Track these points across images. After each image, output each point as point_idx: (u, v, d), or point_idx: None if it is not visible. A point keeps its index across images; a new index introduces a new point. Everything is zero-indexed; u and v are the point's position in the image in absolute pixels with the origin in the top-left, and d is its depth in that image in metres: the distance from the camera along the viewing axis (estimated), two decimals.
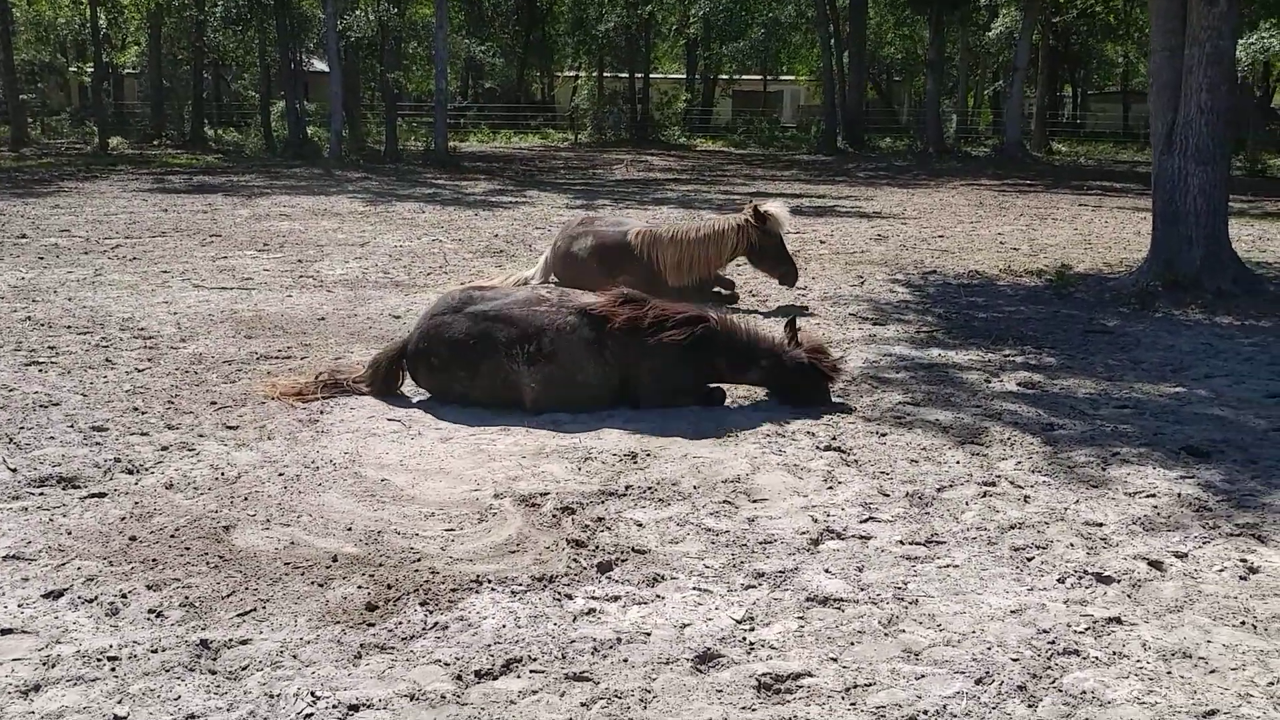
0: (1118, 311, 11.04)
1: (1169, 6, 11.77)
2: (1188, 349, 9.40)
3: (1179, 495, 5.81)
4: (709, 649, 4.07)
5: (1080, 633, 4.27)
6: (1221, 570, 4.90)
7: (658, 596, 4.50)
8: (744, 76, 64.23)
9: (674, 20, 54.09)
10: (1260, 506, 5.65)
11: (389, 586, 4.48)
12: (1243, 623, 4.40)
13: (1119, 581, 4.76)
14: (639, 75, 51.79)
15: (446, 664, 3.92)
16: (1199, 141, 11.45)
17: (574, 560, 4.80)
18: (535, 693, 3.76)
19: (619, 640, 4.12)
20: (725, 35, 52.91)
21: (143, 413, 6.86)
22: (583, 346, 7.01)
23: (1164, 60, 11.94)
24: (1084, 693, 3.84)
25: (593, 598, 4.47)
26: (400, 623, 4.20)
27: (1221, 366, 8.79)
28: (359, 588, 4.46)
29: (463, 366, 7.04)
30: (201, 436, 6.43)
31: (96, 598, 4.31)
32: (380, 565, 4.69)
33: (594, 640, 4.11)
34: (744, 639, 4.17)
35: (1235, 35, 11.56)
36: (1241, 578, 4.84)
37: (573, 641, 4.10)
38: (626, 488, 5.75)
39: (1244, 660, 4.10)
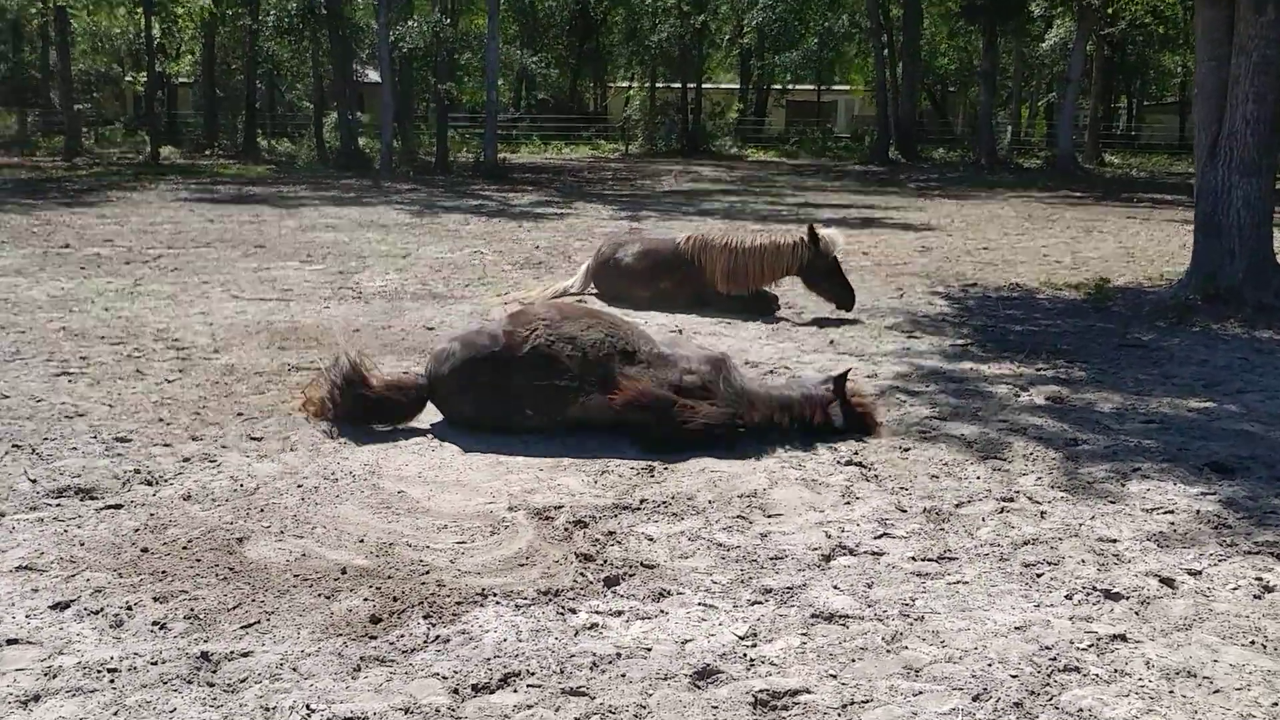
0: (1154, 326, 10.91)
1: (1216, 15, 11.62)
2: (1223, 363, 9.27)
3: (1198, 512, 5.74)
4: (708, 665, 4.07)
5: (1083, 650, 4.24)
6: (1235, 589, 4.84)
7: (662, 612, 4.51)
8: (797, 86, 64.11)
9: (728, 30, 54.15)
10: None
11: (394, 599, 4.53)
12: (1252, 642, 4.34)
13: (1128, 598, 4.71)
14: (691, 85, 51.90)
15: (445, 677, 3.95)
16: (1244, 153, 11.29)
17: (581, 574, 4.82)
18: (530, 707, 3.78)
19: (619, 655, 4.14)
20: (779, 45, 52.89)
21: (168, 424, 6.96)
22: None
23: (1210, 70, 11.79)
24: (1081, 710, 3.82)
25: (596, 612, 4.49)
26: (402, 635, 4.24)
27: (1256, 381, 8.66)
28: (364, 600, 4.51)
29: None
30: (224, 448, 6.52)
31: (103, 609, 4.38)
32: (388, 578, 4.74)
33: (594, 655, 4.13)
34: (745, 655, 4.17)
35: None
36: (1256, 596, 4.78)
37: (572, 656, 4.12)
38: (641, 501, 5.77)
39: (1250, 680, 4.05)
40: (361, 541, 5.16)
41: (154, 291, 11.95)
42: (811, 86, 63.44)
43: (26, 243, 15.93)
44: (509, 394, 6.75)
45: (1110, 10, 31.01)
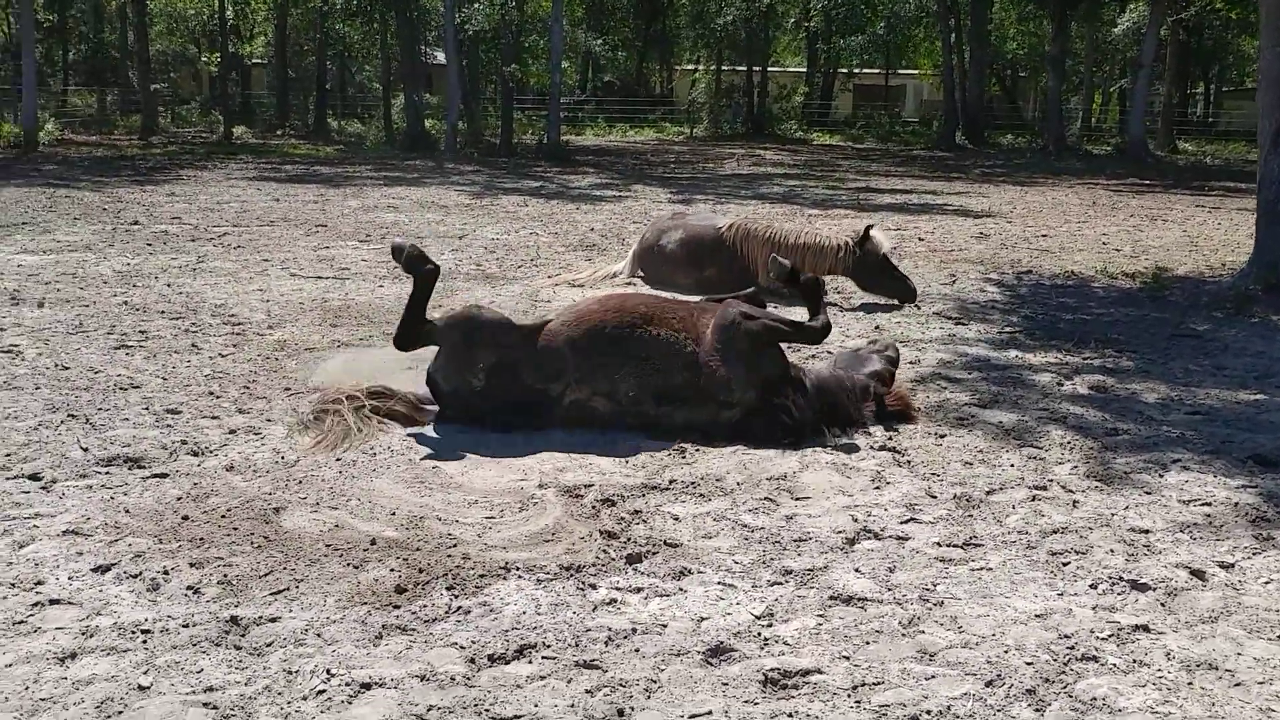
0: (1211, 316, 10.73)
1: None
2: (1278, 355, 9.10)
3: (1236, 504, 5.67)
4: (722, 643, 4.12)
5: (1104, 639, 4.22)
6: (1268, 583, 4.78)
7: (681, 590, 4.56)
8: (865, 70, 63.55)
9: (794, 13, 53.79)
10: None
11: (420, 570, 4.62)
12: (1279, 637, 4.30)
13: (1154, 589, 4.67)
14: (757, 69, 51.66)
15: (462, 647, 4.04)
16: None
17: (604, 551, 4.89)
18: (543, 678, 3.85)
19: (634, 631, 4.19)
20: (846, 28, 52.49)
21: (217, 397, 7.14)
22: None
23: (1275, 56, 11.55)
24: (1094, 699, 3.80)
25: (616, 588, 4.55)
26: (425, 605, 4.33)
27: None
28: (391, 570, 4.61)
29: None
30: (269, 421, 6.67)
31: (141, 573, 4.53)
32: (416, 550, 4.84)
33: (610, 630, 4.19)
34: (759, 634, 4.20)
35: None
36: None
37: (589, 630, 4.19)
38: (670, 482, 5.81)
39: (1273, 675, 4.01)
40: (393, 514, 5.27)
41: (216, 269, 12.20)
42: (879, 70, 62.87)
43: (98, 219, 16.32)
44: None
45: None
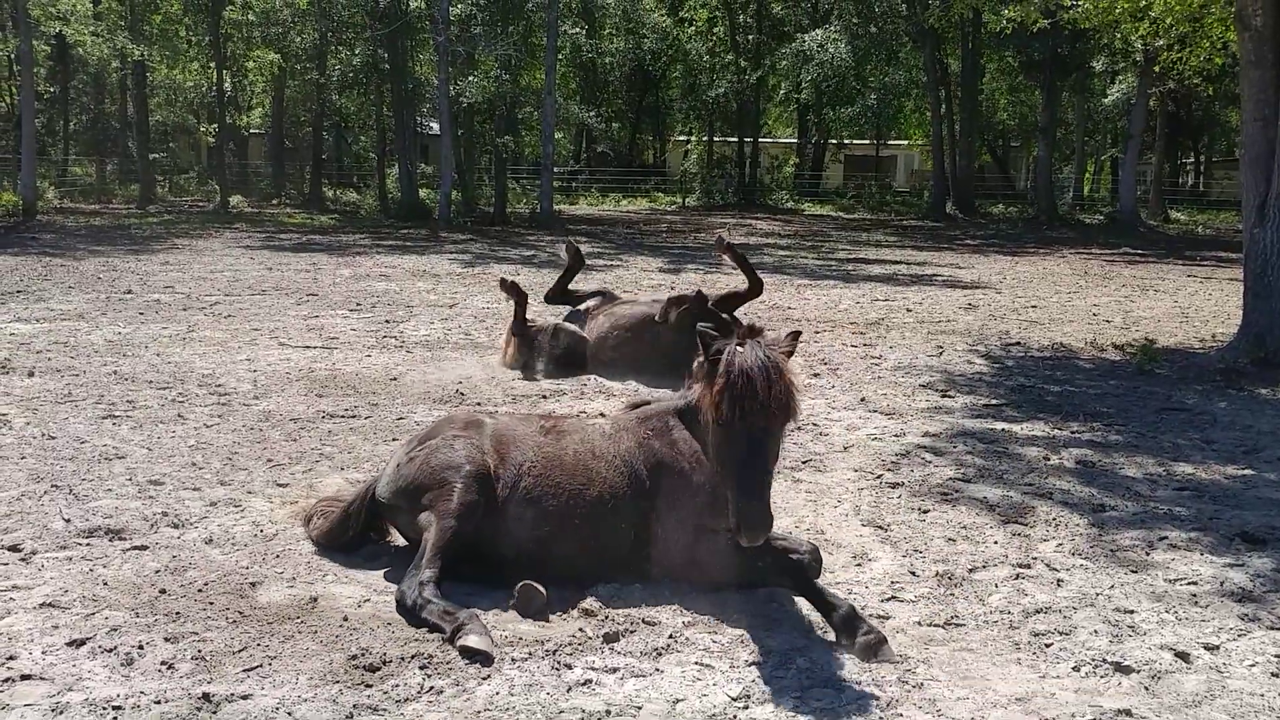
0: (1200, 388, 10.72)
1: (1262, 76, 11.53)
2: (1267, 429, 9.08)
3: (1222, 584, 5.62)
4: None
5: None
6: (1252, 665, 4.73)
7: (658, 670, 4.49)
8: (856, 141, 64.21)
9: (784, 85, 54.45)
10: None
11: (397, 647, 4.56)
12: None
13: (1138, 672, 4.61)
14: (748, 140, 52.16)
15: None
16: None
17: (581, 630, 4.82)
18: None
19: (608, 713, 4.12)
20: (836, 100, 53.05)
21: (200, 468, 7.11)
22: None
23: (1257, 130, 11.69)
24: None
25: (592, 668, 4.48)
26: (397, 685, 4.27)
27: None
28: (364, 649, 4.54)
29: None
30: (250, 493, 6.63)
31: (116, 648, 4.47)
32: (389, 624, 4.79)
33: (583, 712, 4.12)
34: (735, 717, 4.14)
35: None
36: (1274, 674, 4.66)
37: (562, 712, 4.12)
38: None
39: None
40: (371, 587, 5.21)
41: (205, 338, 12.20)
42: (870, 141, 63.50)
43: (92, 288, 16.36)
44: None
45: (1156, 69, 30.78)
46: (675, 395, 5.59)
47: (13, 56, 39.71)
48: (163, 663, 4.38)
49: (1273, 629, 5.09)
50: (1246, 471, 7.81)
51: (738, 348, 4.79)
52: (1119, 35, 25.15)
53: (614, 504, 5.28)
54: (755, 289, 10.74)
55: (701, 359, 4.96)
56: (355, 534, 5.69)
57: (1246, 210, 11.89)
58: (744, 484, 4.68)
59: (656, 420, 5.45)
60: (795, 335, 5.15)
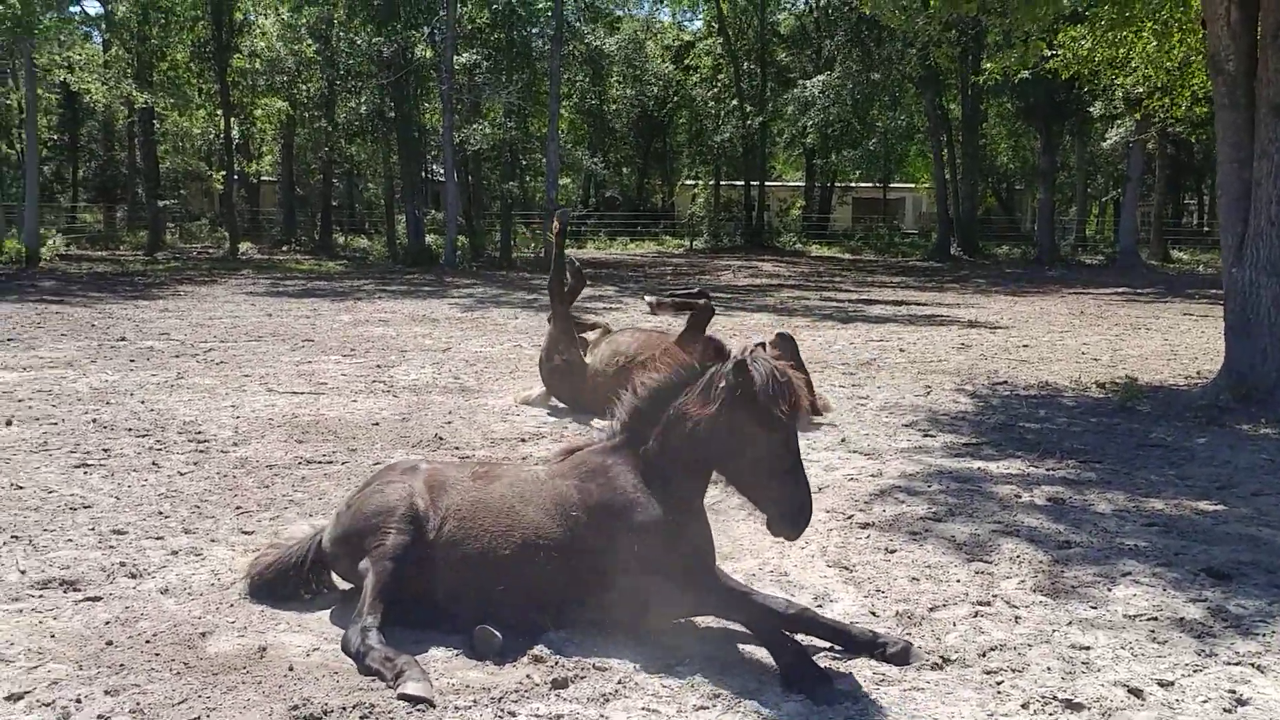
0: (1181, 425, 10.71)
1: (1236, 118, 11.60)
2: (1244, 465, 9.06)
3: (1181, 619, 5.59)
4: None
5: None
6: (1205, 701, 4.70)
7: (603, 716, 4.43)
8: (862, 184, 64.53)
9: (789, 130, 54.82)
10: (1269, 634, 5.40)
11: (339, 696, 4.55)
12: None
13: (1089, 709, 4.59)
14: (755, 183, 52.48)
15: None
16: (1270, 253, 11.16)
17: (529, 676, 4.79)
18: None
19: None
20: (841, 144, 53.42)
21: (166, 517, 7.10)
22: None
23: (1233, 171, 11.74)
24: None
25: (536, 715, 4.43)
26: None
27: (1275, 484, 8.44)
28: (306, 699, 4.51)
29: None
30: (214, 541, 6.63)
31: (54, 702, 4.43)
32: (335, 673, 4.77)
33: None
34: None
35: None
36: (1226, 710, 4.63)
37: None
38: None
39: None
40: (323, 636, 5.21)
41: (194, 385, 12.25)
42: (877, 184, 63.81)
43: (85, 335, 16.46)
44: None
45: (1138, 116, 31.02)
46: (606, 436, 5.60)
47: (19, 105, 40.25)
48: (99, 716, 4.34)
49: (1230, 664, 5.07)
50: (1219, 507, 7.79)
51: (752, 358, 4.98)
52: (1100, 84, 25.40)
53: (543, 547, 5.28)
54: (706, 306, 11.01)
55: (719, 383, 5.03)
56: (303, 586, 5.72)
57: (1225, 250, 11.94)
58: (801, 477, 5.00)
59: (593, 460, 5.48)
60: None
